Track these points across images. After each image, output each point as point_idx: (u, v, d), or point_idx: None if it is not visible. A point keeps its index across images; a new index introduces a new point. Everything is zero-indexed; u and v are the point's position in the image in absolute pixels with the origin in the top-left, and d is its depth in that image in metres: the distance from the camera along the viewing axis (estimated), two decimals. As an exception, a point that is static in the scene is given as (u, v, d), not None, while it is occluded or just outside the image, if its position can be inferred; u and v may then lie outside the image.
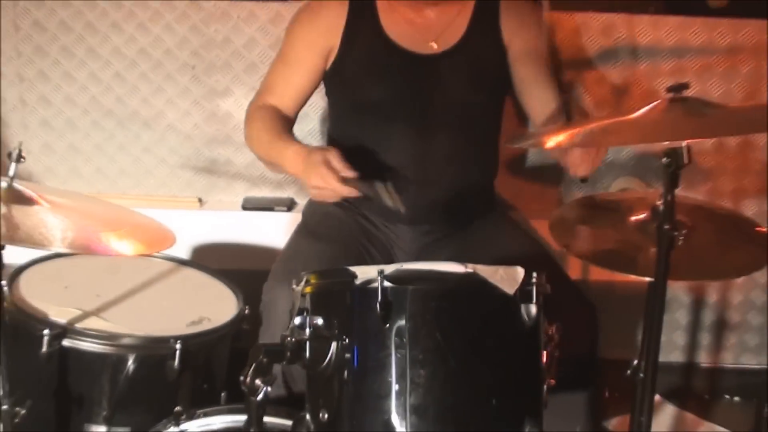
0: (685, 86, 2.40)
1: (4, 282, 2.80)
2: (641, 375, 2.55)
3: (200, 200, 4.01)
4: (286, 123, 3.24)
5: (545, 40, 3.42)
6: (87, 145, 4.00)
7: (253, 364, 2.24)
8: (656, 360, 2.52)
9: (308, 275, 2.36)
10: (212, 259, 3.31)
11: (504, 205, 3.60)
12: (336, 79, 3.29)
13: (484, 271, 2.24)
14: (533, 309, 2.29)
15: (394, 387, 2.20)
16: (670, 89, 2.40)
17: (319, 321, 2.27)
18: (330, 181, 2.84)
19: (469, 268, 2.24)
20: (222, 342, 2.91)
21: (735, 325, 4.22)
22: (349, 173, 2.85)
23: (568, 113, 3.28)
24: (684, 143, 2.32)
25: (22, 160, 2.57)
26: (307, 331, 2.27)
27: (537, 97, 3.30)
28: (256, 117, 3.24)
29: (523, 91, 3.32)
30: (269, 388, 2.25)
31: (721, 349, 4.24)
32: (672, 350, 4.22)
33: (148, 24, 3.89)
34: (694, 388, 4.23)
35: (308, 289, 2.35)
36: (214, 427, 2.60)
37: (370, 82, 3.24)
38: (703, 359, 4.26)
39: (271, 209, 3.90)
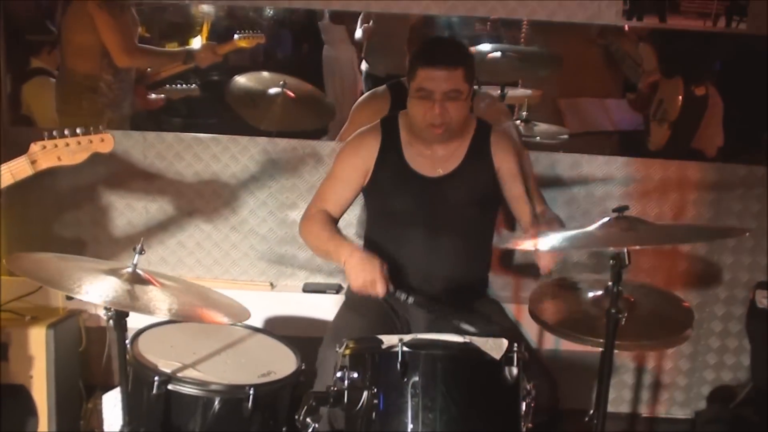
0: (626, 208, 2.41)
1: (127, 342, 2.84)
2: (595, 421, 2.53)
3: (272, 284, 3.99)
4: (337, 225, 3.24)
5: (528, 162, 3.37)
6: (190, 242, 4.01)
7: (305, 407, 2.25)
8: (605, 410, 2.50)
9: (347, 341, 2.37)
10: (279, 329, 3.28)
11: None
12: (371, 192, 3.31)
13: (477, 341, 2.25)
14: (515, 371, 2.28)
15: (409, 426, 2.21)
16: (614, 210, 2.42)
17: (355, 375, 2.28)
18: (378, 286, 2.90)
19: (466, 339, 2.25)
20: (284, 390, 2.86)
21: (667, 385, 4.14)
22: (388, 287, 2.91)
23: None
24: (625, 249, 2.32)
25: (143, 252, 2.61)
26: (346, 382, 2.27)
27: (521, 209, 3.27)
28: (315, 219, 3.23)
29: (511, 203, 3.30)
30: (317, 425, 2.25)
31: (657, 402, 4.16)
32: (621, 403, 4.15)
33: (238, 155, 3.93)
34: (636, 433, 4.15)
35: (347, 352, 2.36)
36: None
37: (394, 196, 3.23)
38: (644, 410, 4.18)
39: (324, 292, 3.88)
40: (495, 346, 2.24)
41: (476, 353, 2.23)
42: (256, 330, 3.21)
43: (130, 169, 3.91)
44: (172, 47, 4.40)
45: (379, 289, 2.89)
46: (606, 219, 2.42)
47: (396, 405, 2.23)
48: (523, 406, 2.38)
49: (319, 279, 3.94)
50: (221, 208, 3.96)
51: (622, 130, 5.21)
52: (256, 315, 3.55)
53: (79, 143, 2.72)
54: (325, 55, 5.56)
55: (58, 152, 2.69)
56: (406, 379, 2.21)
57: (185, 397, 2.75)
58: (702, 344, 4.09)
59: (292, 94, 4.38)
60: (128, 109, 4.25)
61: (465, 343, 2.24)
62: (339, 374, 2.28)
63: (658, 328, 2.72)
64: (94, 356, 3.77)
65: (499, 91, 4.61)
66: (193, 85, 4.93)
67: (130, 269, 2.59)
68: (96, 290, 2.46)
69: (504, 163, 3.24)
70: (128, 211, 3.93)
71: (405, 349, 2.21)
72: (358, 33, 5.63)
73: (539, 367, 3.04)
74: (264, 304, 3.82)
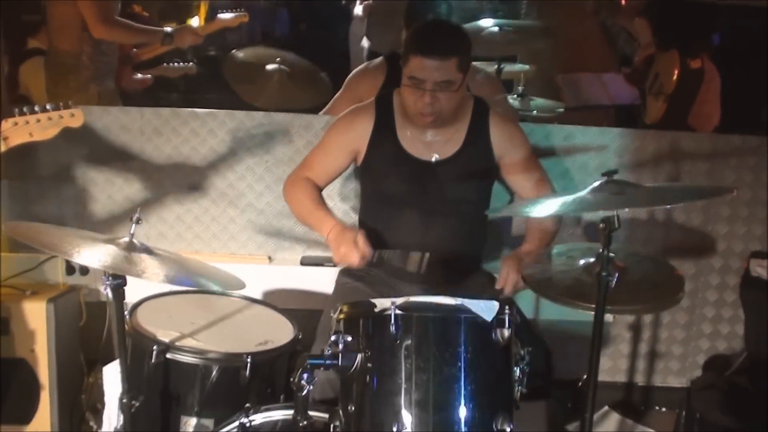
0: (615, 171, 2.43)
1: (126, 313, 2.88)
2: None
3: (270, 258, 4.02)
4: (320, 195, 3.26)
5: (527, 142, 3.33)
6: (189, 216, 4.02)
7: (300, 369, 2.28)
8: (597, 374, 2.53)
9: (341, 306, 2.40)
10: (277, 301, 3.30)
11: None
12: (365, 173, 3.31)
13: (469, 303, 2.27)
14: (506, 332, 2.31)
15: (403, 387, 2.23)
16: (604, 174, 2.44)
17: (349, 338, 2.31)
18: (352, 254, 2.94)
19: (458, 301, 2.27)
20: (281, 358, 2.91)
21: (662, 354, 4.17)
22: (368, 252, 2.95)
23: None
24: (614, 212, 2.35)
25: (140, 221, 2.65)
26: (340, 345, 2.31)
27: (521, 188, 3.29)
28: (299, 186, 3.25)
29: (510, 183, 3.32)
30: (311, 387, 2.29)
31: (653, 372, 4.19)
32: (617, 372, 4.18)
33: (234, 129, 3.94)
34: (633, 401, 4.17)
35: (341, 316, 2.38)
36: (274, 418, 2.60)
37: (387, 179, 3.23)
38: (639, 379, 4.21)
39: (321, 265, 3.90)
40: (486, 308, 2.26)
41: (468, 314, 2.25)
42: (254, 301, 3.25)
43: (127, 145, 3.93)
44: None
45: (353, 260, 2.93)
46: (596, 183, 2.44)
47: (389, 367, 2.25)
48: (517, 371, 2.42)
49: (317, 252, 3.97)
50: (219, 183, 3.98)
51: (619, 104, 5.25)
52: (255, 288, 3.60)
53: (49, 119, 2.74)
54: (351, 32, 5.60)
55: (30, 128, 2.71)
56: (399, 342, 2.24)
57: (183, 365, 2.80)
58: (697, 313, 4.12)
59: (288, 69, 4.41)
60: (112, 84, 4.27)
61: (457, 304, 2.26)
62: (333, 338, 2.30)
63: (649, 293, 2.74)
64: (95, 331, 3.79)
65: (495, 66, 4.63)
66: (191, 63, 4.96)
67: (127, 238, 2.62)
68: (94, 255, 2.50)
69: (504, 149, 3.23)
70: (127, 187, 3.95)
71: (397, 312, 2.23)
72: (358, 9, 5.66)
73: (533, 335, 3.08)
74: (262, 277, 3.84)
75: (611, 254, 2.42)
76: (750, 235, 4.03)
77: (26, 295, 3.63)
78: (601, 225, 2.37)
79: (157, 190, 4.00)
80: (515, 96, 4.58)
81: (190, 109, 3.95)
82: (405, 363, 2.24)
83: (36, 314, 3.55)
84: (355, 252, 2.93)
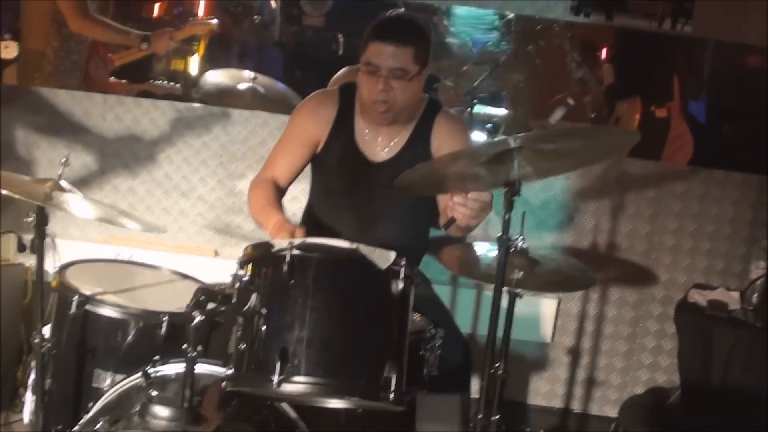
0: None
1: (55, 268, 2.95)
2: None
3: (216, 252, 4.06)
4: (277, 194, 3.20)
5: (468, 144, 3.30)
6: (141, 206, 4.10)
7: (194, 301, 2.32)
8: (494, 338, 2.55)
9: (246, 247, 2.44)
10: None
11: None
12: (317, 165, 3.31)
13: (365, 249, 2.32)
14: (401, 284, 2.34)
15: (294, 324, 2.26)
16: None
17: (246, 277, 2.35)
18: None
19: (353, 246, 2.32)
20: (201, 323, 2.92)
21: (600, 382, 4.18)
22: None
23: None
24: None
25: (68, 164, 2.73)
26: (236, 284, 2.35)
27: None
28: (257, 186, 3.23)
29: None
30: (203, 317, 2.33)
31: (590, 399, 4.19)
32: (553, 397, 4.19)
33: (193, 123, 4.04)
34: (568, 428, 4.18)
35: (243, 258, 2.43)
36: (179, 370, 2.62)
37: (336, 175, 3.22)
38: (576, 406, 4.21)
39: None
40: (381, 257, 2.31)
41: (361, 259, 2.30)
42: (185, 276, 3.27)
43: (86, 130, 4.03)
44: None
45: None
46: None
47: (281, 305, 2.28)
48: (427, 350, 2.46)
49: (264, 250, 3.99)
50: (173, 174, 4.05)
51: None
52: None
53: None
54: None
55: None
56: (293, 282, 2.27)
57: (101, 318, 2.83)
58: (638, 343, 4.14)
59: (261, 90, 4.48)
60: (75, 83, 4.31)
61: (351, 249, 2.30)
62: (231, 277, 2.34)
63: (557, 284, 2.79)
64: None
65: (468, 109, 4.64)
66: (177, 84, 5.05)
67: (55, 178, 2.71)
68: (18, 188, 2.58)
69: (438, 146, 3.20)
70: (83, 171, 4.02)
71: (294, 251, 2.27)
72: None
73: (451, 325, 3.09)
74: (207, 270, 3.85)
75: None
76: (693, 267, 4.07)
77: (-28, 261, 3.68)
78: (503, 190, 2.41)
79: (113, 176, 4.07)
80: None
81: (150, 99, 4.07)
82: (297, 303, 2.27)
83: (-22, 278, 3.60)
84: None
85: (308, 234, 2.85)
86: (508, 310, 2.72)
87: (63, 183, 2.71)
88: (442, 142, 3.18)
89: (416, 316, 2.61)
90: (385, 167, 3.17)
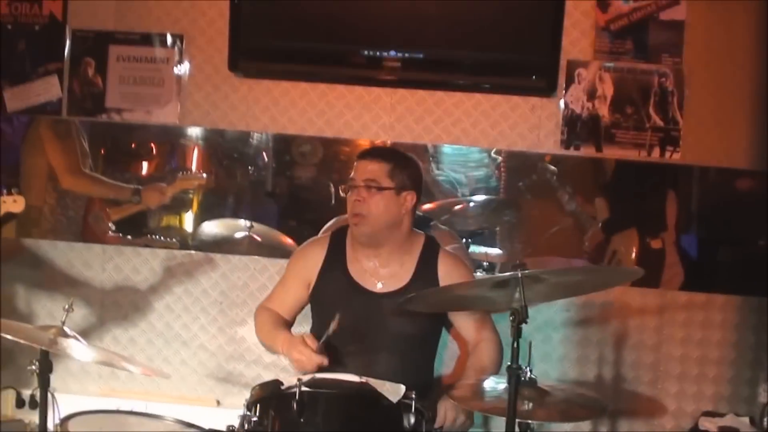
0: (523, 265, 2.50)
1: (57, 422, 2.88)
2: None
3: (218, 401, 4.00)
4: (282, 320, 3.25)
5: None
6: (142, 357, 4.03)
7: (203, 444, 2.27)
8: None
9: (253, 387, 2.41)
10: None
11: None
12: (314, 301, 3.31)
13: (374, 383, 2.29)
14: (412, 419, 2.30)
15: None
16: (513, 266, 2.49)
17: (254, 418, 2.31)
18: (305, 352, 2.88)
19: (363, 379, 2.29)
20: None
21: None
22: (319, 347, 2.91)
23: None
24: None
25: (72, 310, 2.72)
26: (246, 425, 2.30)
27: (465, 331, 3.27)
28: (261, 313, 3.29)
29: (456, 325, 3.31)
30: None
31: None
32: None
33: (192, 270, 4.04)
34: None
35: (252, 398, 2.39)
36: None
37: (334, 309, 3.21)
38: None
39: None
40: (392, 390, 2.28)
41: (372, 394, 2.26)
42: (189, 425, 3.20)
43: (86, 282, 4.03)
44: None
45: (308, 359, 2.87)
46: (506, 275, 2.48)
47: (293, 444, 2.24)
48: None
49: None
50: (173, 322, 4.04)
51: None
52: (202, 430, 3.57)
53: None
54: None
55: None
56: (303, 419, 2.23)
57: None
58: (650, 479, 4.03)
59: (258, 238, 4.51)
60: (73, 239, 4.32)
61: (361, 383, 2.27)
62: (238, 418, 2.30)
63: (568, 415, 2.75)
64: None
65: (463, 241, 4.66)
66: (174, 240, 5.08)
67: (59, 324, 2.68)
68: (23, 335, 2.56)
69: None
70: (83, 322, 4.00)
71: (304, 388, 2.24)
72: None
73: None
74: (209, 420, 3.79)
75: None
76: (701, 394, 4.01)
77: (-30, 421, 3.62)
78: (510, 318, 2.40)
79: (113, 325, 4.06)
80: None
81: (149, 248, 4.11)
82: (308, 440, 2.23)
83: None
84: (306, 351, 2.89)
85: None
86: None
87: (66, 329, 2.68)
88: (449, 278, 3.19)
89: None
90: (388, 298, 3.16)
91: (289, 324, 3.30)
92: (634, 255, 4.64)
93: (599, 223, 4.62)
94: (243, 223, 4.24)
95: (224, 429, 2.34)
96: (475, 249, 4.78)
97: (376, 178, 3.08)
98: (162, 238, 5.02)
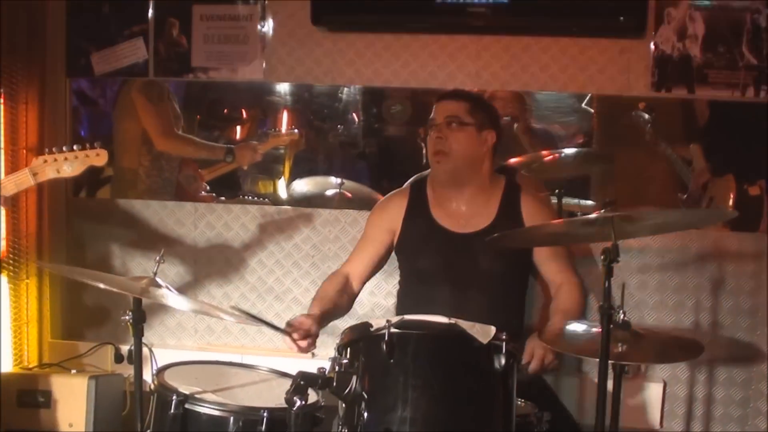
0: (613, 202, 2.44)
1: (154, 372, 2.94)
2: None
3: (312, 354, 3.98)
4: (339, 289, 3.32)
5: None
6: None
7: (294, 385, 2.28)
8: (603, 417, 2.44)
9: (343, 331, 2.41)
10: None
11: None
12: (400, 251, 3.36)
13: (464, 324, 2.26)
14: (503, 360, 2.27)
15: (396, 404, 2.20)
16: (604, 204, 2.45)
17: (345, 360, 2.31)
18: (287, 341, 3.05)
19: (452, 321, 2.26)
20: (300, 419, 2.86)
21: None
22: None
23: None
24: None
25: (163, 261, 2.76)
26: (336, 367, 2.30)
27: (547, 270, 3.29)
28: (327, 279, 3.39)
29: (538, 264, 3.31)
30: (303, 403, 2.27)
31: None
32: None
33: (283, 225, 4.06)
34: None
35: (342, 341, 2.39)
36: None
37: (422, 253, 3.27)
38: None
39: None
40: (482, 331, 2.24)
41: (461, 335, 2.24)
42: (282, 374, 3.24)
43: (179, 239, 4.12)
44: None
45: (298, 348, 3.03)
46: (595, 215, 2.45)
47: (382, 386, 2.24)
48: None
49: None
50: (266, 278, 4.09)
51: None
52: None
53: (76, 157, 2.97)
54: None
55: (57, 165, 2.97)
56: (392, 360, 2.22)
57: (202, 417, 2.79)
58: (749, 424, 3.90)
59: (349, 195, 4.51)
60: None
61: (450, 324, 2.25)
62: (330, 359, 2.31)
63: (664, 356, 2.69)
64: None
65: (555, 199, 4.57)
66: (266, 199, 5.12)
67: (151, 275, 2.73)
68: (116, 284, 2.61)
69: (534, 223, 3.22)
70: (177, 279, 4.08)
71: (393, 330, 2.23)
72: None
73: (557, 406, 3.00)
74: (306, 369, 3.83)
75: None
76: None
77: (71, 373, 3.71)
78: (602, 256, 2.35)
79: (206, 284, 4.11)
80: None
81: (240, 204, 4.15)
82: (398, 382, 2.21)
83: (77, 390, 3.62)
84: (287, 339, 3.03)
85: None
86: (614, 393, 2.60)
87: (158, 279, 2.73)
88: (534, 218, 3.23)
89: (520, 402, 2.52)
90: (474, 239, 3.21)
91: (352, 290, 3.36)
92: (731, 201, 4.50)
93: (694, 170, 4.48)
94: (334, 180, 4.23)
95: (315, 372, 2.31)
96: (568, 200, 4.69)
97: (457, 115, 3.14)
98: (254, 198, 5.08)
